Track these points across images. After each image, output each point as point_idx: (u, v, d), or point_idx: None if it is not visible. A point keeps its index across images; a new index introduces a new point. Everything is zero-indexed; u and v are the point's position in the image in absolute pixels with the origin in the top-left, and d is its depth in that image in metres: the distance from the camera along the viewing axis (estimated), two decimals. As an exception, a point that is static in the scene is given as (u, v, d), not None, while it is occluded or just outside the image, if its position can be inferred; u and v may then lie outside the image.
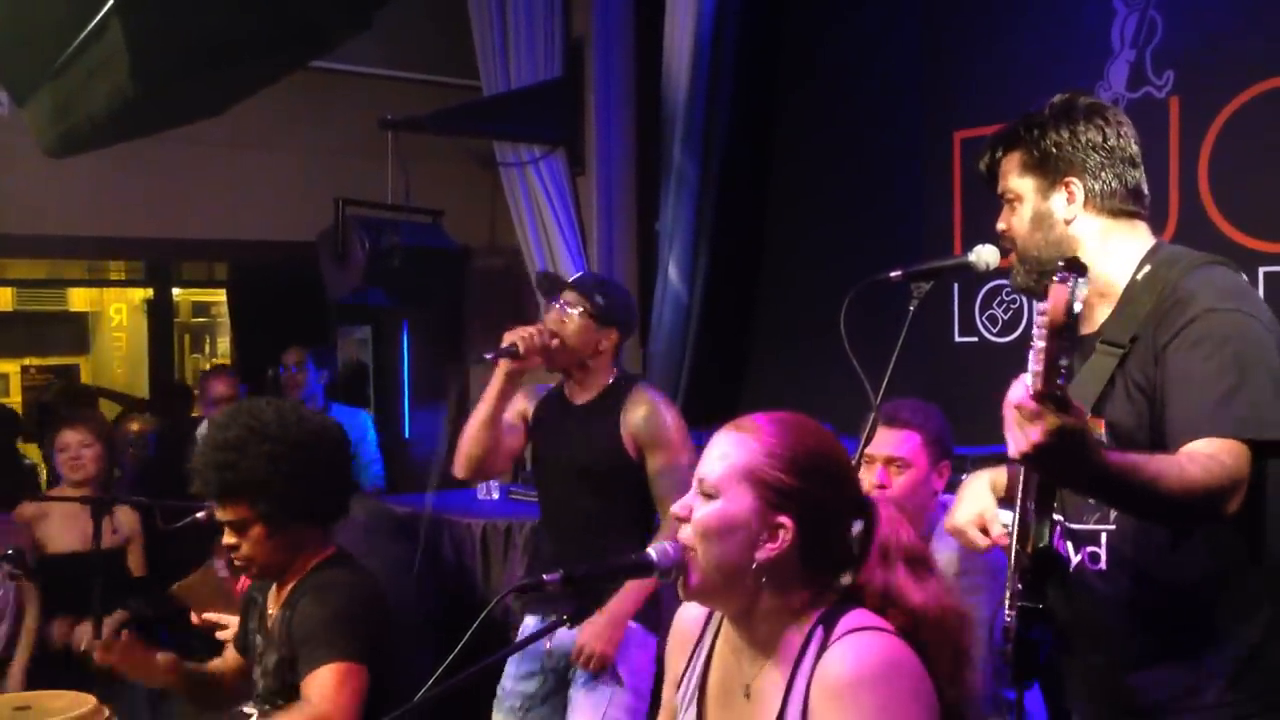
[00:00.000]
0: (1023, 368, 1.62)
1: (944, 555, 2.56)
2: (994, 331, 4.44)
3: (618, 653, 3.25)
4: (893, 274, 2.41)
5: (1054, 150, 2.06)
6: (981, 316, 4.48)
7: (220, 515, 2.45)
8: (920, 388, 3.43)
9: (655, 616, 3.30)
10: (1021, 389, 1.63)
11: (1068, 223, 2.06)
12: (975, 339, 4.50)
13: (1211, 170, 3.80)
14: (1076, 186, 2.06)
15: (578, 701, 3.30)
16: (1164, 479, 1.75)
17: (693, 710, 1.80)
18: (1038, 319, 1.60)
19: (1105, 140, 2.06)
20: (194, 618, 2.96)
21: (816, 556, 1.68)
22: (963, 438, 3.55)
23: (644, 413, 3.30)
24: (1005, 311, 4.40)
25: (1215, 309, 1.90)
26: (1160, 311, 1.95)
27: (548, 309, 3.40)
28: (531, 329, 3.26)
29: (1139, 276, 2.02)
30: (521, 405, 3.48)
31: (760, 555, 1.65)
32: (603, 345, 3.35)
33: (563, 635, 3.27)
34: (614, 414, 3.33)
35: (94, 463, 4.34)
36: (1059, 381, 1.59)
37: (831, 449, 1.72)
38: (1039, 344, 1.60)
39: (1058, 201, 2.07)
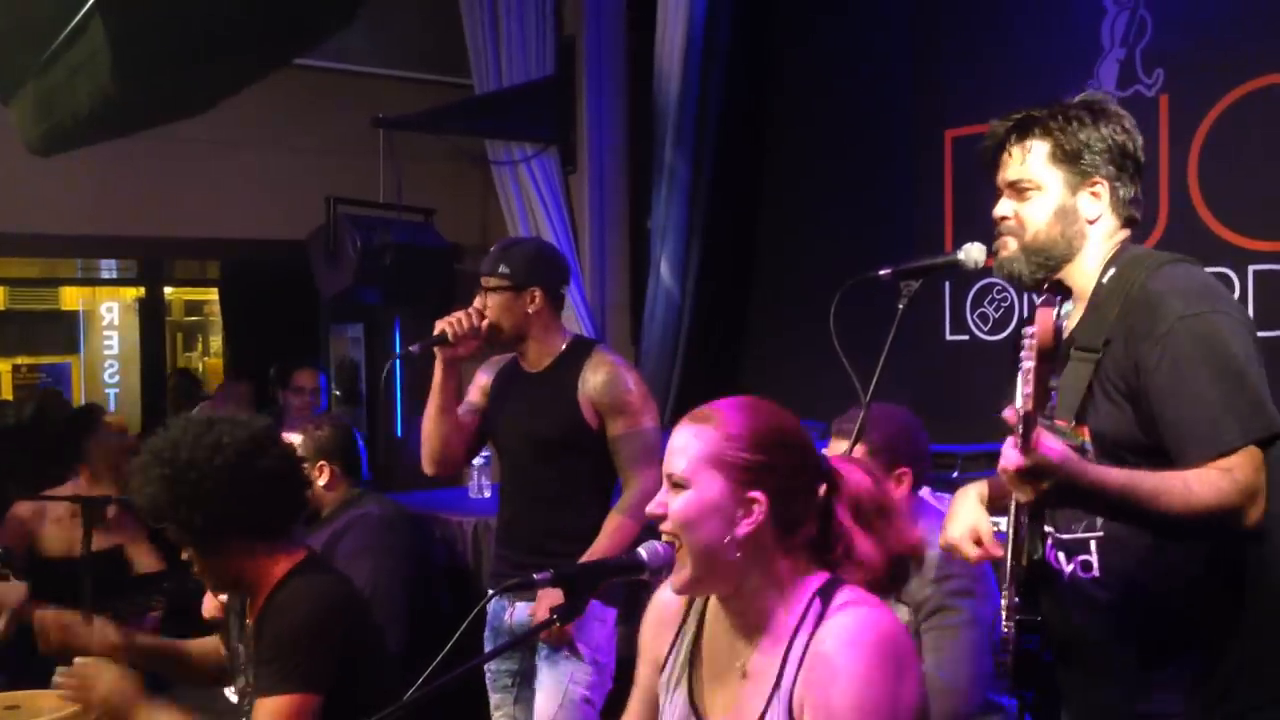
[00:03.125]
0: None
1: (929, 559, 2.57)
2: (985, 330, 4.44)
3: (574, 627, 3.13)
4: (882, 272, 2.40)
5: (1089, 147, 2.04)
6: (972, 315, 4.48)
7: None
8: (911, 386, 3.44)
9: (611, 590, 3.20)
10: (1013, 453, 1.69)
11: (1090, 222, 2.05)
12: (966, 337, 4.50)
13: (1201, 169, 3.81)
14: (1103, 188, 2.05)
15: (542, 676, 3.23)
16: (1165, 496, 1.77)
17: (683, 690, 1.83)
18: (1025, 341, 1.63)
19: (1130, 148, 2.07)
20: (208, 601, 2.94)
21: (789, 523, 1.75)
22: (953, 436, 3.55)
23: (603, 378, 3.18)
24: (996, 310, 4.40)
25: (1187, 315, 1.89)
26: (1128, 314, 1.94)
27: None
28: (459, 314, 3.16)
29: (1104, 280, 2.02)
30: (484, 380, 3.41)
31: (739, 531, 1.72)
32: (530, 308, 3.22)
33: (521, 611, 3.24)
34: (570, 381, 3.20)
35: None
36: (1049, 403, 1.65)
37: (789, 422, 1.80)
38: (1027, 365, 1.63)
39: (1084, 199, 2.05)
